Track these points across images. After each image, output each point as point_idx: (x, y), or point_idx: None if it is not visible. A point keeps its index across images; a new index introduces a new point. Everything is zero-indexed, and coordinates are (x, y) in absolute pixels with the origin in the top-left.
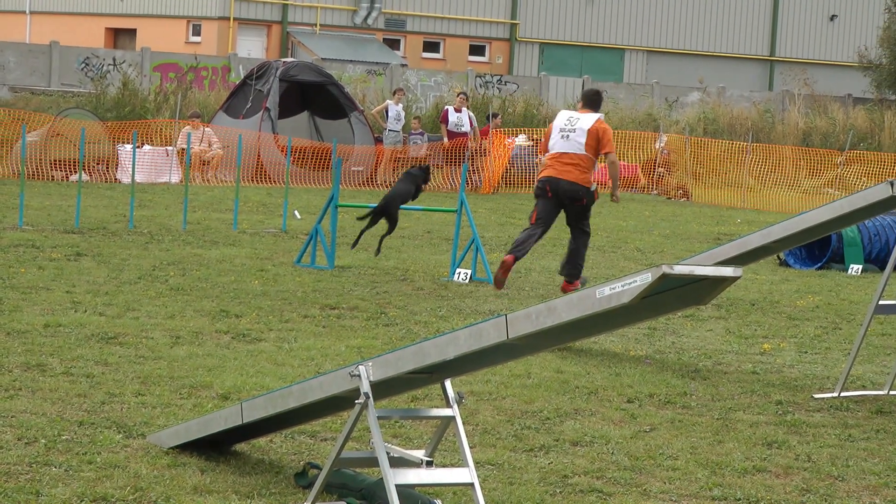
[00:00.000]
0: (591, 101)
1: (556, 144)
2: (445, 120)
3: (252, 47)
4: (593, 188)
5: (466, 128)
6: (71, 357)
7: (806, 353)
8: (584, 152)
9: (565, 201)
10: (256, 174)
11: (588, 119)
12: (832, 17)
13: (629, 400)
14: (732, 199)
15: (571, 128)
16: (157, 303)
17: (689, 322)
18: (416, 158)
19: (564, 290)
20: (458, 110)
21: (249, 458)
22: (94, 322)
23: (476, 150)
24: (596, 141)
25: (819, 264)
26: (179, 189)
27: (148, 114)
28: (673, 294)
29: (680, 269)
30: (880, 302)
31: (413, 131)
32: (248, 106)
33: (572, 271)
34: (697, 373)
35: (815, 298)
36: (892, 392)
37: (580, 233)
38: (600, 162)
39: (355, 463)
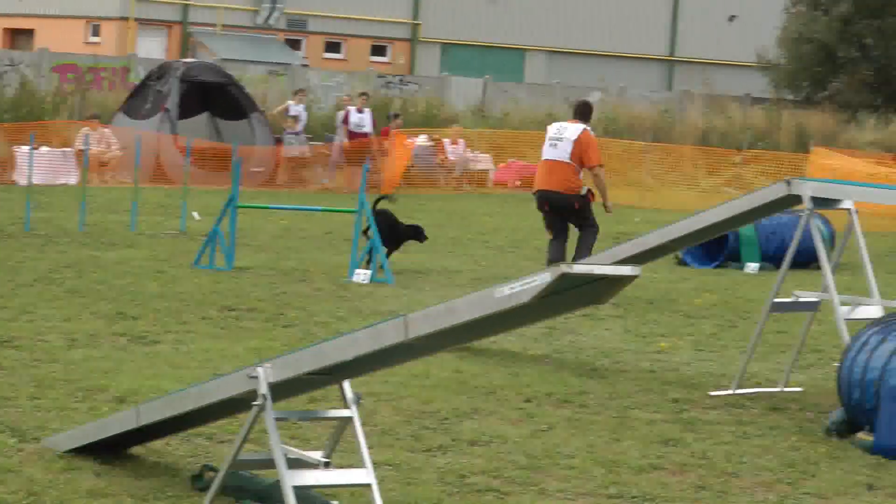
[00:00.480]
0: (581, 112)
1: (546, 152)
2: (347, 120)
3: (152, 48)
4: (584, 191)
5: (368, 128)
6: None
7: (702, 350)
8: (570, 161)
9: (562, 212)
10: (155, 175)
11: (574, 129)
12: (731, 18)
13: (527, 399)
14: (631, 199)
15: (559, 137)
16: (52, 305)
17: (588, 321)
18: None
19: None
20: (360, 111)
21: (146, 461)
22: None
23: (377, 150)
24: (580, 151)
25: (716, 263)
26: (77, 191)
27: (46, 115)
28: (572, 293)
29: (579, 269)
30: (776, 300)
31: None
32: (147, 106)
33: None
34: (595, 371)
35: (712, 296)
36: (786, 389)
37: (587, 229)
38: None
39: (253, 465)
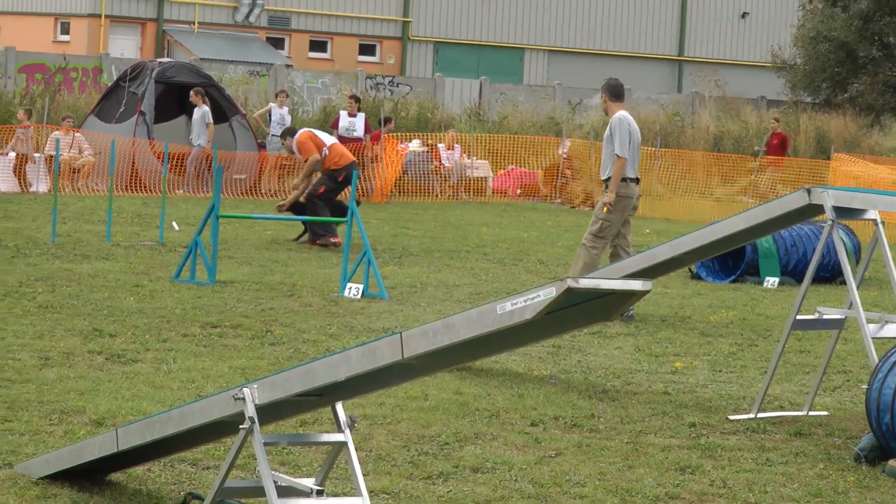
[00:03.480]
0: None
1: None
2: (336, 125)
3: (125, 47)
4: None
5: (360, 132)
6: None
7: (720, 371)
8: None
9: None
10: (131, 183)
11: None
12: (743, 15)
13: (533, 423)
14: (640, 208)
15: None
16: (24, 321)
17: (596, 339)
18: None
19: None
20: (351, 115)
21: (126, 489)
22: None
23: (368, 156)
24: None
25: (733, 277)
26: (48, 199)
27: (13, 118)
28: (578, 309)
29: (585, 283)
30: (798, 317)
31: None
32: (121, 110)
33: None
34: (605, 393)
35: (729, 313)
36: (810, 413)
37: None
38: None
39: (240, 493)
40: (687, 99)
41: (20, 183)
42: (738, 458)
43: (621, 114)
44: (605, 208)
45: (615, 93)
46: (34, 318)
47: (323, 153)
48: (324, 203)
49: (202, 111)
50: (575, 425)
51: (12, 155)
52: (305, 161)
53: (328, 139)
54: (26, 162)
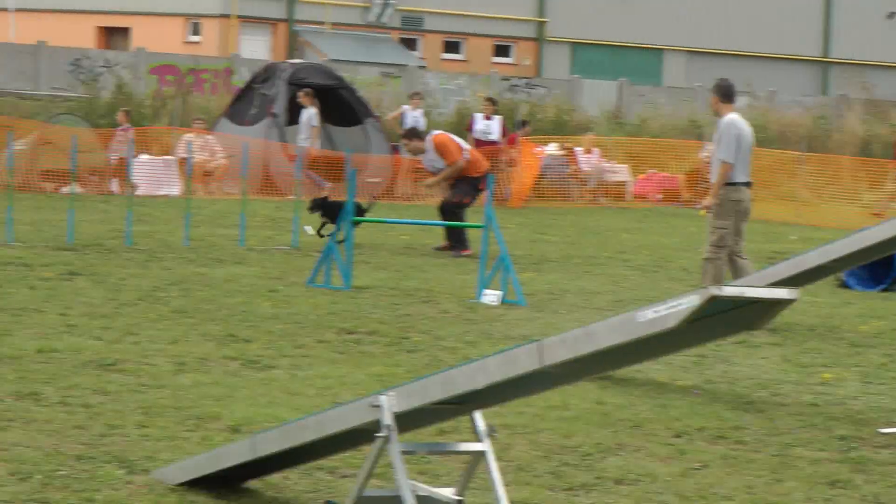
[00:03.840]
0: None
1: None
2: (471, 128)
3: (256, 47)
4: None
5: (496, 136)
6: (67, 385)
7: (871, 383)
8: None
9: None
10: (264, 186)
11: None
12: (890, 15)
13: (677, 434)
14: (786, 215)
15: None
16: (158, 326)
17: (742, 349)
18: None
19: None
20: (487, 117)
21: (263, 497)
22: (90, 347)
23: (503, 160)
24: None
25: (883, 286)
26: (181, 202)
27: (145, 120)
28: (722, 318)
29: (730, 291)
30: None
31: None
32: (253, 111)
33: None
34: (752, 405)
35: (879, 323)
36: None
37: None
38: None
39: (378, 502)
40: (833, 102)
41: (120, 185)
42: (891, 473)
43: (731, 116)
44: (703, 211)
45: (726, 94)
46: (169, 323)
47: (464, 157)
48: (461, 211)
49: (309, 113)
50: (720, 437)
51: (144, 157)
52: (450, 164)
53: (464, 144)
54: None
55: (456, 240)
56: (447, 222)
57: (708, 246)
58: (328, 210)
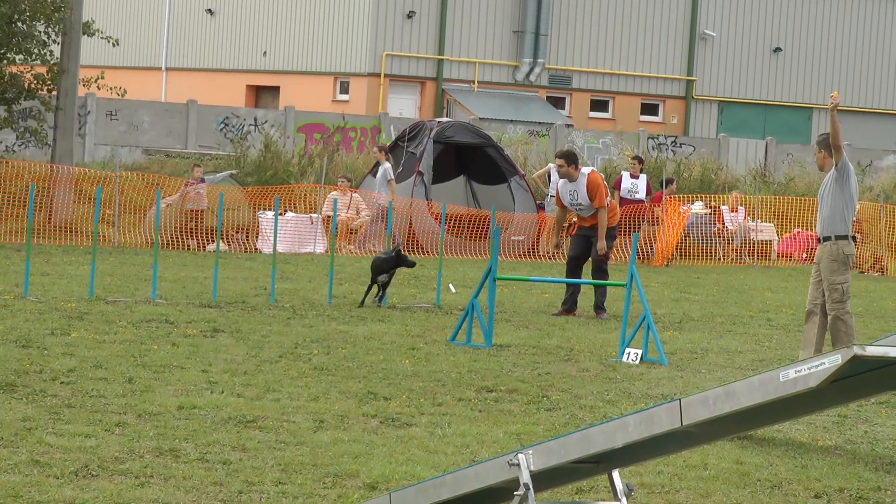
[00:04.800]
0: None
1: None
2: (618, 186)
3: (404, 106)
4: None
5: (641, 195)
6: (206, 442)
7: None
8: None
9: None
10: (408, 244)
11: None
12: None
13: (817, 495)
14: None
15: None
16: (299, 383)
17: (884, 409)
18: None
19: None
20: (634, 176)
21: None
22: (231, 404)
23: (648, 218)
24: None
25: None
26: (325, 260)
27: (291, 178)
28: (865, 378)
29: (873, 351)
30: None
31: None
32: (399, 169)
33: None
34: (893, 466)
35: None
36: None
37: None
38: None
39: None
40: None
41: (198, 241)
42: None
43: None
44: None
45: (827, 146)
46: (309, 381)
47: (607, 202)
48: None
49: (384, 168)
50: (861, 497)
51: (290, 215)
52: (597, 206)
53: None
54: (200, 219)
55: (573, 300)
56: (598, 281)
57: (832, 304)
58: None
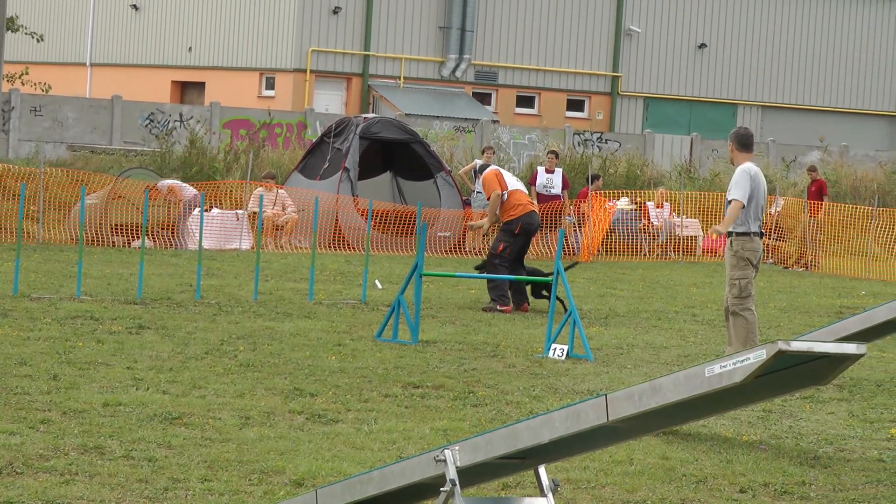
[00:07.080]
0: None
1: None
2: (534, 181)
3: (330, 102)
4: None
5: (557, 190)
6: (132, 439)
7: None
8: None
9: None
10: (334, 240)
11: None
12: None
13: (742, 490)
14: (856, 270)
15: None
16: (225, 380)
17: (808, 404)
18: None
19: None
20: (549, 171)
21: None
22: (156, 401)
23: (564, 213)
24: None
25: None
26: (251, 256)
27: (217, 174)
28: (790, 373)
29: (798, 346)
30: None
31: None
32: (325, 166)
33: None
34: (817, 460)
35: None
36: None
37: None
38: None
39: None
40: None
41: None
42: None
43: (746, 165)
44: (714, 234)
45: (743, 143)
46: (235, 377)
47: (503, 196)
48: (502, 262)
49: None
50: (785, 492)
51: (216, 211)
52: (488, 198)
53: (512, 184)
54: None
55: (497, 293)
56: (489, 275)
57: (731, 299)
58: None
